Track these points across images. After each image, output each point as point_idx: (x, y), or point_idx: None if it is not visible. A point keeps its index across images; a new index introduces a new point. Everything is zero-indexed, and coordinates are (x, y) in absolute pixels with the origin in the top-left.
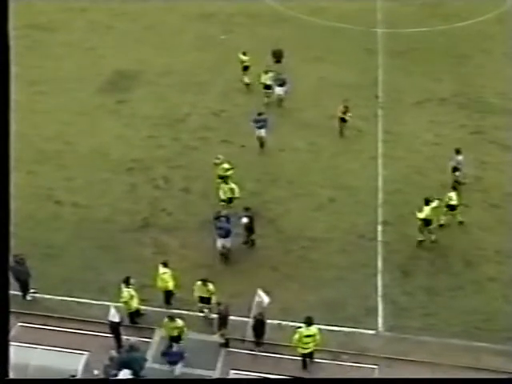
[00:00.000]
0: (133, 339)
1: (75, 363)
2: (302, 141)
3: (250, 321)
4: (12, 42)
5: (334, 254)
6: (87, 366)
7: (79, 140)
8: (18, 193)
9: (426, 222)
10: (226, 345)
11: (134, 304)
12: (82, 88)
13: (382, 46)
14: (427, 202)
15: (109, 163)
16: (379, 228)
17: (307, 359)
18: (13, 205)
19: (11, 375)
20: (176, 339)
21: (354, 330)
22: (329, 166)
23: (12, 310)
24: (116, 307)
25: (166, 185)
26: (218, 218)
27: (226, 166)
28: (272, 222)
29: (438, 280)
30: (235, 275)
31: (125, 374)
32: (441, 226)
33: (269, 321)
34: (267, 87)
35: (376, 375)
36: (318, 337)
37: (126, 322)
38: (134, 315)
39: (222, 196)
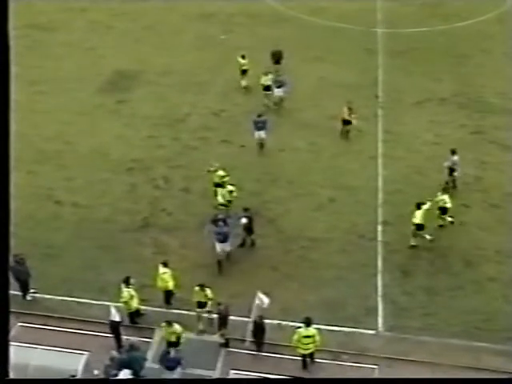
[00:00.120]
0: (133, 339)
1: (75, 363)
2: (301, 141)
3: (250, 325)
4: (12, 42)
5: (334, 254)
6: (87, 366)
7: (79, 140)
8: (18, 193)
9: (419, 226)
10: (226, 345)
11: (134, 304)
12: (82, 88)
13: (382, 46)
14: (419, 206)
15: (109, 163)
16: (379, 228)
17: (307, 359)
18: (13, 205)
19: (11, 375)
20: (174, 344)
21: (353, 329)
22: (329, 166)
23: (12, 309)
24: (116, 307)
25: (166, 185)
26: (215, 222)
27: (221, 173)
28: (272, 222)
29: (437, 280)
30: (235, 275)
31: (125, 374)
32: (441, 226)
33: (269, 321)
34: (267, 88)
35: (376, 375)
36: (317, 337)
37: (126, 321)
38: (134, 315)
39: (222, 200)
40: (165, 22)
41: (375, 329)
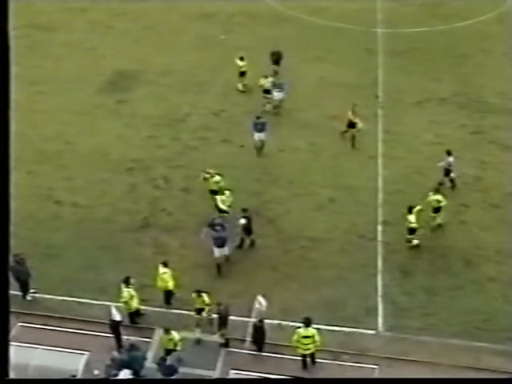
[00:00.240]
0: (133, 339)
1: (75, 363)
2: (301, 141)
3: (250, 328)
4: (12, 42)
5: (334, 254)
6: (87, 366)
7: (79, 140)
8: (18, 193)
9: (412, 230)
10: (226, 345)
11: (134, 304)
12: (82, 88)
13: (382, 46)
14: (410, 210)
15: (109, 163)
16: (379, 228)
17: (307, 359)
18: (13, 205)
19: (11, 375)
20: (171, 352)
21: (354, 329)
22: (329, 166)
23: (12, 309)
24: (116, 307)
25: (166, 185)
26: (212, 226)
27: (217, 178)
28: (272, 222)
29: (437, 280)
30: (235, 275)
31: (125, 374)
32: (439, 225)
33: (269, 321)
34: (266, 91)
35: (376, 375)
36: (316, 338)
37: (126, 321)
38: (134, 315)
39: (224, 207)
40: (165, 22)
41: (375, 329)
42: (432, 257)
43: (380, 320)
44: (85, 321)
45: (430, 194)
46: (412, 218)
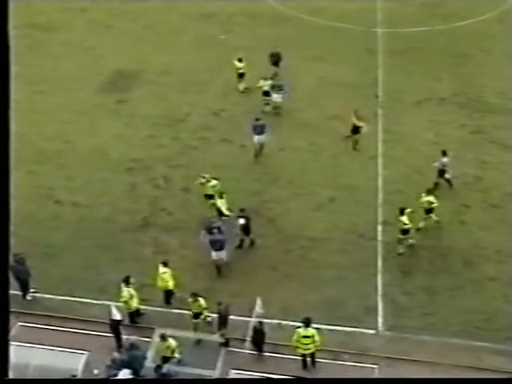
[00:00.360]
0: (133, 338)
1: (75, 363)
2: (301, 140)
3: (250, 331)
4: (12, 42)
5: (334, 254)
6: (87, 366)
7: (79, 139)
8: (18, 192)
9: (405, 231)
10: (226, 344)
11: (134, 303)
12: (82, 87)
13: (382, 46)
14: (402, 212)
15: (109, 163)
16: (379, 228)
17: (307, 359)
18: (13, 204)
19: (11, 375)
20: (168, 359)
21: (354, 329)
22: (329, 166)
23: (12, 309)
24: (116, 306)
25: (166, 184)
26: (210, 230)
27: (213, 182)
28: (272, 222)
29: (437, 279)
30: (235, 275)
31: (124, 373)
32: (437, 222)
33: (269, 320)
34: (266, 94)
35: (376, 375)
36: (316, 338)
37: (126, 321)
38: (134, 315)
39: (227, 211)
40: (165, 22)
41: (375, 328)
42: (432, 256)
43: (380, 320)
44: (85, 320)
45: (423, 194)
46: (405, 219)
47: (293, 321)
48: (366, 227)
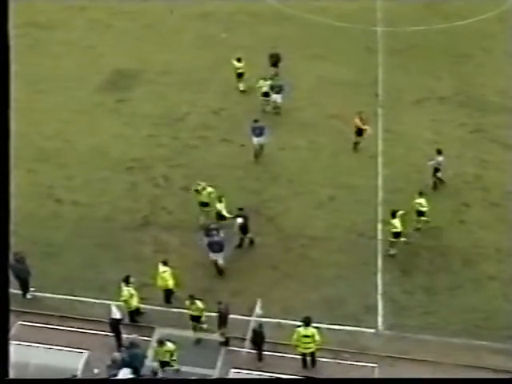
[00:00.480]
0: (133, 336)
1: (75, 362)
2: (301, 139)
3: (249, 334)
4: (12, 41)
5: (334, 253)
6: (87, 365)
7: (79, 139)
8: (18, 191)
9: (396, 234)
10: (226, 343)
11: (134, 303)
12: (82, 87)
13: (382, 45)
14: (394, 214)
15: (108, 162)
16: (379, 227)
17: (307, 358)
18: (13, 203)
19: (11, 374)
20: (167, 364)
21: (353, 328)
22: (329, 165)
23: (12, 308)
24: (117, 305)
25: (165, 183)
26: (208, 232)
27: (209, 189)
28: (272, 221)
29: (437, 279)
30: (235, 274)
31: (124, 372)
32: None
33: (269, 319)
34: (265, 94)
35: (376, 374)
36: (317, 337)
37: (126, 320)
38: (134, 314)
39: (227, 214)
40: (164, 21)
41: (375, 327)
42: (432, 255)
43: (380, 319)
44: (85, 319)
45: (416, 196)
46: (396, 222)
47: (293, 320)
48: (366, 226)
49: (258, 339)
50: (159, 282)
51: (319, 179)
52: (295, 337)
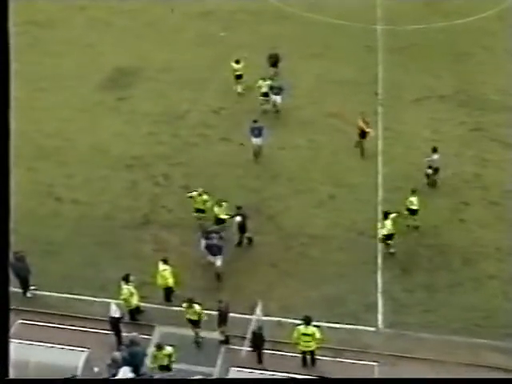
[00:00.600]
0: (133, 334)
1: (75, 360)
2: (301, 138)
3: (248, 335)
4: (12, 39)
5: (334, 251)
6: (87, 363)
7: (79, 137)
8: (18, 189)
9: (388, 236)
10: (226, 342)
11: (134, 301)
12: (82, 85)
13: (382, 43)
14: (386, 215)
15: (109, 160)
16: (379, 225)
17: (307, 357)
18: (13, 201)
19: (11, 372)
20: (166, 368)
21: (353, 326)
22: (329, 163)
23: (12, 306)
24: (116, 304)
25: (166, 182)
26: (207, 235)
27: (205, 197)
28: (272, 219)
29: (437, 277)
30: (235, 272)
31: (124, 370)
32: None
33: (269, 318)
34: (265, 95)
35: (376, 372)
36: (317, 336)
37: (126, 318)
38: (134, 312)
39: (225, 216)
40: (165, 19)
41: (375, 326)
42: (432, 254)
43: (380, 317)
44: (85, 318)
45: (409, 194)
46: (388, 223)
47: (293, 318)
48: (366, 225)
49: (257, 341)
50: (159, 281)
51: (319, 178)
52: (295, 335)
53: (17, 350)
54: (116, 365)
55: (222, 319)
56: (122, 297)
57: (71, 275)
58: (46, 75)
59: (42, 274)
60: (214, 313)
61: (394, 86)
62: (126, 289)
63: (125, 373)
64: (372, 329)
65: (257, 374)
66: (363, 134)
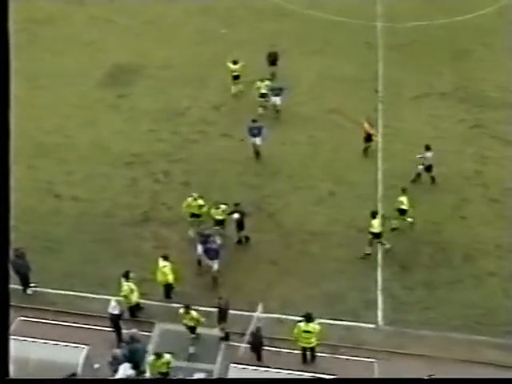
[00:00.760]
0: (133, 330)
1: (75, 357)
2: (301, 135)
3: (247, 336)
4: (12, 36)
5: (334, 248)
6: (88, 360)
7: (79, 134)
8: (18, 186)
9: (376, 234)
10: (225, 338)
11: (134, 298)
12: (82, 82)
13: (382, 40)
14: (374, 215)
15: (109, 157)
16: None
17: (307, 353)
18: (13, 198)
19: (11, 369)
20: (165, 375)
21: (353, 323)
22: (329, 160)
23: (12, 304)
24: (117, 301)
25: (166, 179)
26: (205, 239)
27: (200, 202)
28: (272, 216)
29: (437, 274)
30: (235, 269)
31: (125, 367)
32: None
33: (269, 315)
34: (263, 95)
35: (375, 369)
36: (318, 332)
37: (126, 315)
38: (134, 309)
39: (220, 217)
40: (165, 16)
41: (375, 323)
42: (432, 251)
43: (380, 314)
44: (85, 315)
45: (400, 193)
46: (376, 222)
47: (293, 315)
48: (366, 221)
49: (256, 342)
50: (159, 277)
51: (319, 174)
52: (296, 331)
53: (17, 347)
54: (116, 362)
55: (222, 316)
56: (122, 293)
57: (71, 272)
58: (46, 73)
59: (42, 271)
60: (214, 309)
61: (393, 82)
62: (126, 285)
63: (125, 369)
64: (372, 326)
65: (257, 371)
66: (369, 137)
